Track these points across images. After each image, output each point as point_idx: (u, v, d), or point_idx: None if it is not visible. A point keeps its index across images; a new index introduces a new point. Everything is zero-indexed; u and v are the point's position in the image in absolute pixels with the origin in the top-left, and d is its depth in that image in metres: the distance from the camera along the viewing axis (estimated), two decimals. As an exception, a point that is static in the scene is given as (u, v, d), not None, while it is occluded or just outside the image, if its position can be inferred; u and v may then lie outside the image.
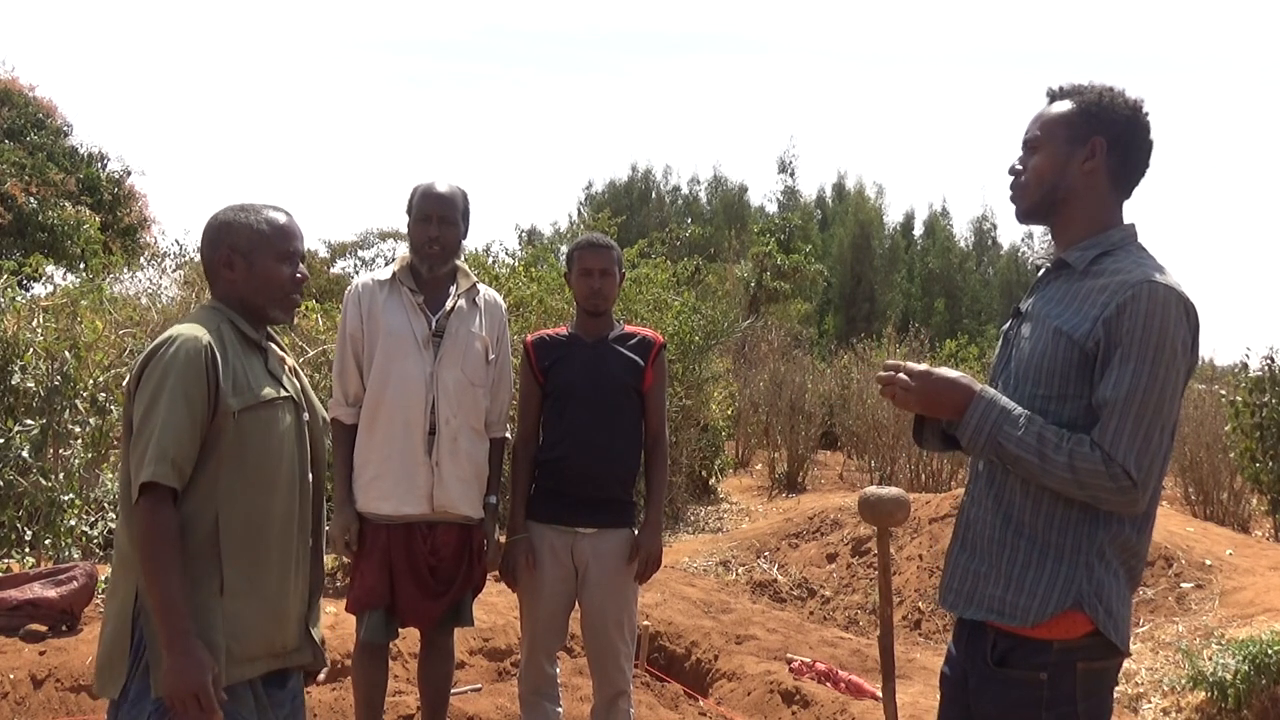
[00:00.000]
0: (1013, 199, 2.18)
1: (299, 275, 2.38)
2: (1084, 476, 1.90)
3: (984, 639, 2.07)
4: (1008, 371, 2.14)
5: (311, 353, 6.69)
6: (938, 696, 2.31)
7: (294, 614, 2.36)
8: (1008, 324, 2.24)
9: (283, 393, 2.33)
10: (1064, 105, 2.11)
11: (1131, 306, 1.92)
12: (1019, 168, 2.16)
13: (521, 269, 9.87)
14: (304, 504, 2.37)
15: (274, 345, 2.43)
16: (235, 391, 2.22)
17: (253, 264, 2.32)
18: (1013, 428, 1.96)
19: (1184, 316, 1.94)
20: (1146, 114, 2.10)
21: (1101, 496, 1.91)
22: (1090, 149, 2.07)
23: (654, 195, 31.07)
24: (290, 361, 2.47)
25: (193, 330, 2.22)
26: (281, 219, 2.37)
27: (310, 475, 2.41)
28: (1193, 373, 2.00)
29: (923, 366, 2.10)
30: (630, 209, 27.65)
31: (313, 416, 2.45)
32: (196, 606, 2.15)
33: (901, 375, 2.09)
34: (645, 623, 5.33)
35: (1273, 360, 8.64)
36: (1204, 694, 4.69)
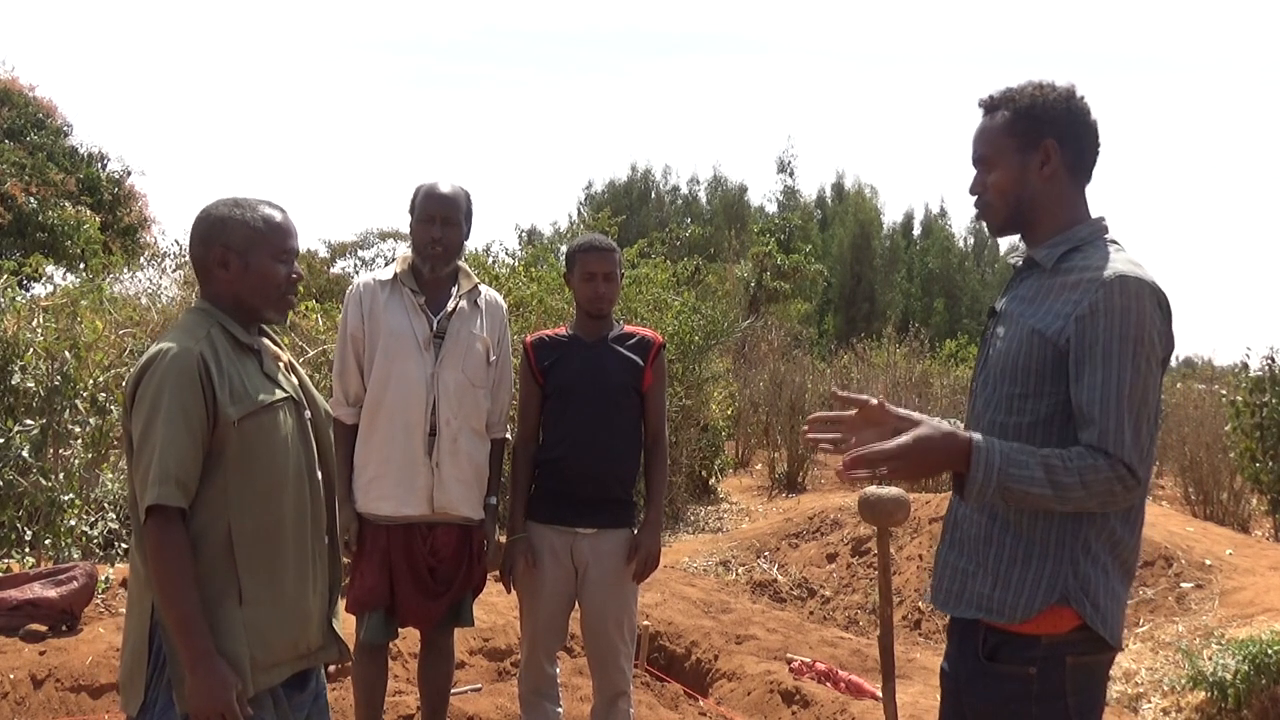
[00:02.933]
0: (980, 218, 2.20)
1: (294, 274, 2.33)
2: (1096, 489, 1.90)
3: (975, 635, 2.09)
4: (986, 371, 2.15)
5: (311, 353, 6.69)
6: (938, 695, 2.31)
7: (315, 613, 2.33)
8: (985, 325, 2.26)
9: (281, 394, 2.29)
10: (1001, 115, 2.11)
11: (1105, 304, 1.92)
12: (979, 188, 2.17)
13: (521, 269, 9.88)
14: (315, 502, 2.34)
15: (268, 342, 2.39)
16: (233, 400, 2.17)
17: (249, 263, 2.25)
18: (1019, 469, 1.91)
19: (1157, 307, 1.96)
20: (1082, 98, 2.10)
21: (1111, 501, 1.92)
22: (1043, 154, 2.08)
23: (654, 195, 31.10)
24: (285, 357, 2.43)
25: (183, 342, 2.16)
26: (278, 216, 2.30)
27: (319, 472, 2.37)
28: (1169, 361, 2.02)
29: (897, 441, 1.90)
30: (630, 209, 27.66)
31: (314, 412, 2.40)
32: (217, 620, 2.13)
33: (874, 450, 1.90)
34: (645, 623, 5.33)
35: (1273, 360, 8.64)
36: (1204, 694, 4.69)
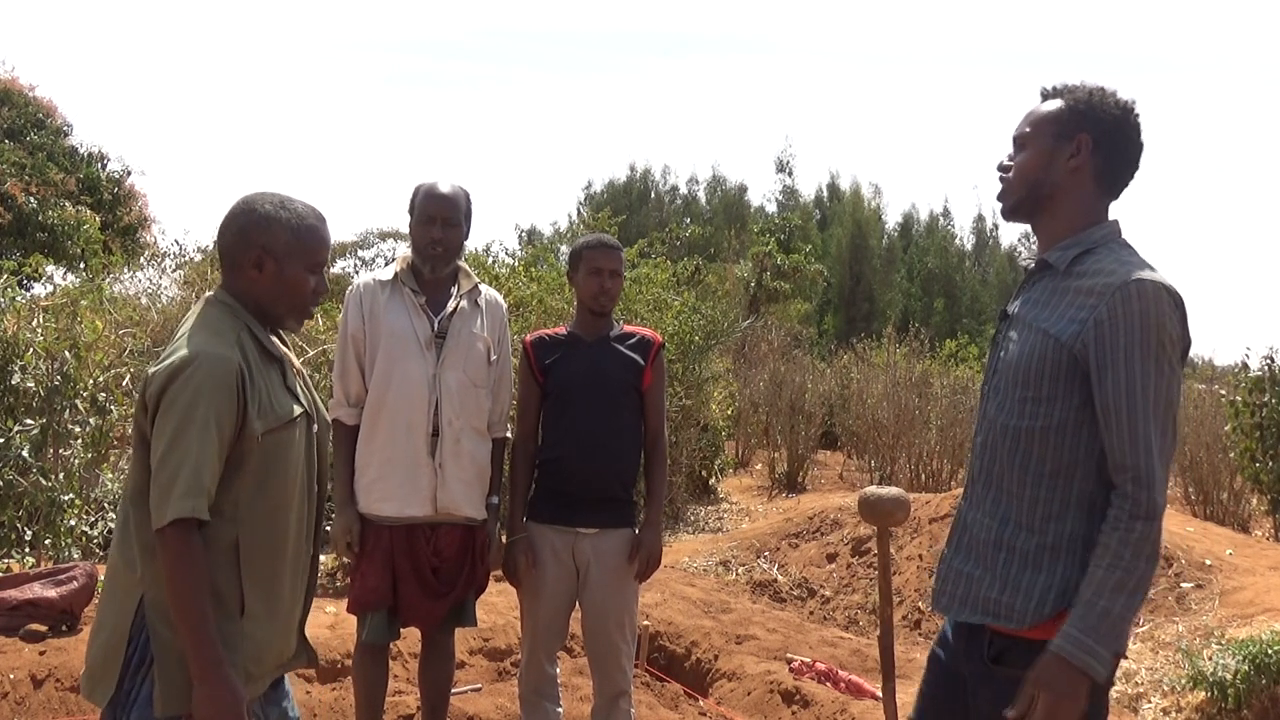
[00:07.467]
0: (999, 195, 2.20)
1: (321, 287, 2.31)
2: (1143, 548, 1.89)
3: (981, 637, 2.08)
4: (997, 375, 2.14)
5: (311, 353, 6.70)
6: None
7: (296, 623, 2.34)
8: (996, 328, 2.25)
9: (299, 409, 2.27)
10: (1054, 103, 2.13)
11: (1124, 308, 1.92)
12: (1007, 164, 2.18)
13: (521, 269, 9.87)
14: (312, 515, 2.34)
15: (286, 349, 2.38)
16: (260, 414, 2.15)
17: (283, 270, 2.22)
18: (1099, 618, 1.88)
19: (1173, 308, 1.95)
20: (1137, 116, 2.10)
21: (1158, 533, 1.92)
22: (1075, 146, 2.08)
23: (653, 195, 31.09)
24: (298, 364, 2.42)
25: (218, 349, 2.12)
26: (321, 228, 2.28)
27: (317, 483, 2.37)
28: (1186, 357, 2.02)
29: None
30: (630, 209, 27.63)
31: (320, 424, 2.39)
32: (218, 631, 2.10)
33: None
34: (645, 623, 5.33)
35: (1273, 360, 8.64)
36: (1204, 694, 4.69)
